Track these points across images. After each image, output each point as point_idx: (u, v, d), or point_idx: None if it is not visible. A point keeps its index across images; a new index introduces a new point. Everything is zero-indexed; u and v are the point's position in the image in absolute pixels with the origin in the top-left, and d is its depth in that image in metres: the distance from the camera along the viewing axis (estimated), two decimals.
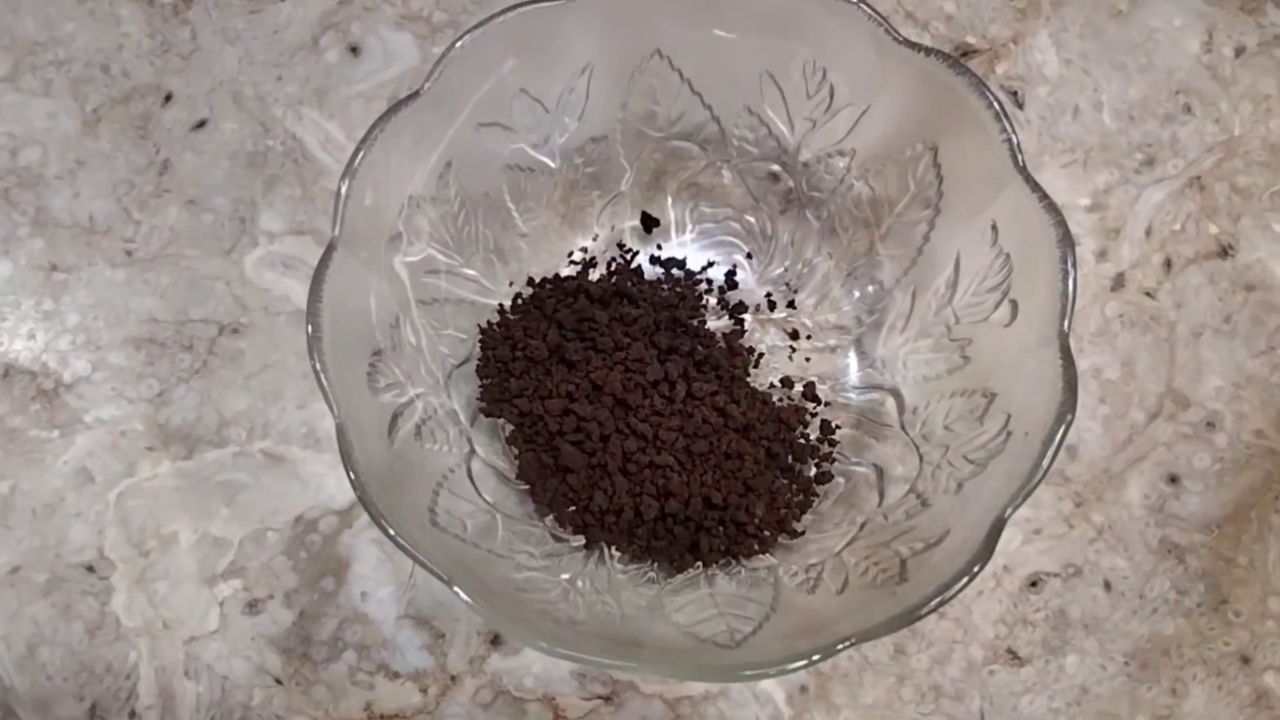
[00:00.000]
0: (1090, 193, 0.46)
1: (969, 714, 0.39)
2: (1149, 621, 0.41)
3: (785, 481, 0.39)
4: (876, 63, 0.35)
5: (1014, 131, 0.33)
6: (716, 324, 0.42)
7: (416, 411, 0.35)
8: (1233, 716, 0.40)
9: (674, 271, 0.43)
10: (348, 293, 0.33)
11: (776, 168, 0.41)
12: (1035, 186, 0.33)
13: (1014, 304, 0.34)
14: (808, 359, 0.42)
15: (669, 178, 0.42)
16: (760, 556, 0.37)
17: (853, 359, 0.42)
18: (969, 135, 0.34)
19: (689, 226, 0.43)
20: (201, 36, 0.47)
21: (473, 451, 0.37)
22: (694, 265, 0.43)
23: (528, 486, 0.38)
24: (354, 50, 0.47)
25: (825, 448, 0.40)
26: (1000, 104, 0.33)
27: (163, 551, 0.40)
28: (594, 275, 0.42)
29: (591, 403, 0.37)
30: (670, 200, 0.43)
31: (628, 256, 0.43)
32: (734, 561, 0.37)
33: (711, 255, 0.43)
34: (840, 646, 0.29)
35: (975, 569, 0.29)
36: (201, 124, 0.46)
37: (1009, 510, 0.30)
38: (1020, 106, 0.47)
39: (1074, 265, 0.32)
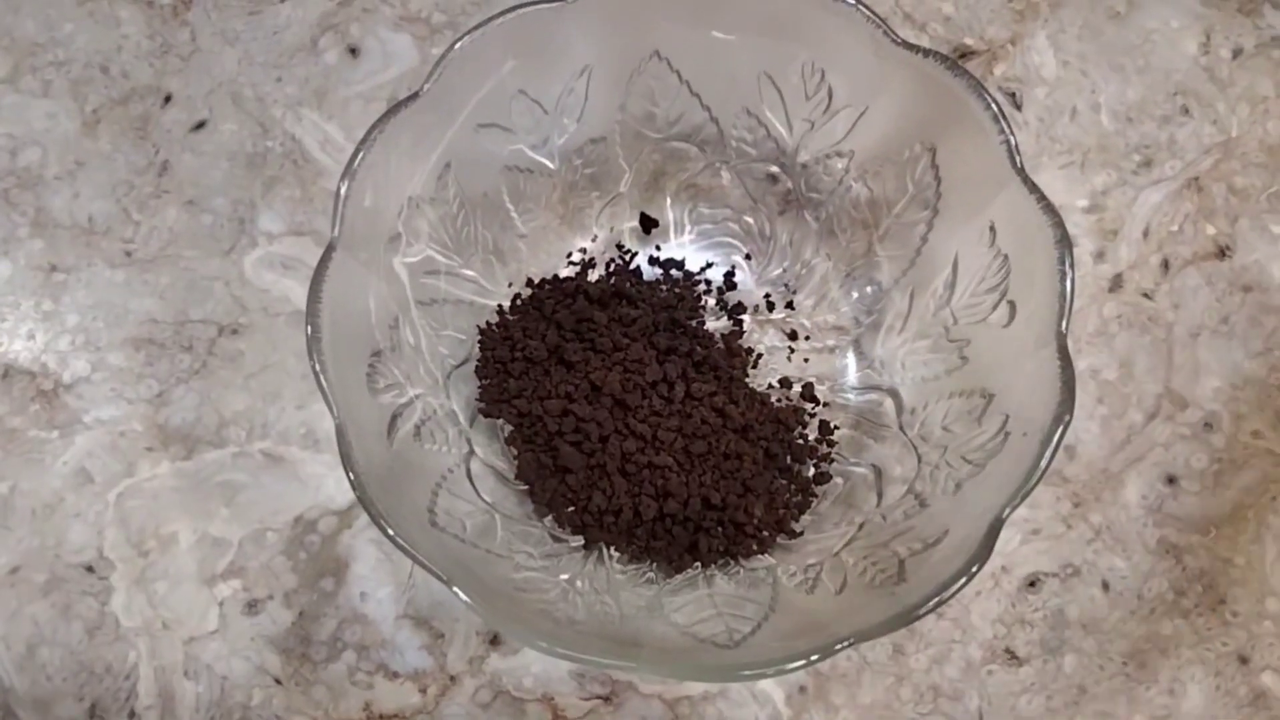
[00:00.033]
0: (1088, 194, 0.46)
1: (967, 714, 0.40)
2: (1147, 622, 0.41)
3: (784, 482, 0.39)
4: (875, 64, 0.35)
5: (1012, 133, 0.33)
6: (715, 325, 0.42)
7: (416, 412, 0.35)
8: (1230, 716, 0.40)
9: (673, 272, 0.43)
10: (347, 293, 0.33)
11: (775, 169, 0.41)
12: (1033, 188, 0.33)
13: (1012, 305, 0.34)
14: (806, 360, 0.42)
15: (668, 179, 0.42)
16: (759, 557, 0.37)
17: (851, 360, 0.42)
18: (967, 136, 0.34)
19: (688, 227, 0.43)
20: (201, 38, 0.47)
21: (472, 452, 0.37)
22: (693, 266, 0.43)
23: (527, 487, 0.38)
24: (353, 51, 0.47)
25: (824, 448, 0.40)
26: (998, 105, 0.33)
27: (162, 552, 0.40)
28: (593, 276, 0.42)
29: (590, 403, 0.37)
30: (669, 201, 0.43)
31: (626, 257, 0.43)
32: (733, 562, 0.37)
33: (710, 256, 0.43)
34: (839, 647, 0.29)
35: (973, 569, 0.29)
36: (201, 125, 0.46)
37: (1007, 511, 0.30)
38: (1018, 108, 0.47)
39: (1072, 266, 0.32)
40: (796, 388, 0.41)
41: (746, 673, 0.30)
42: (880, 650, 0.40)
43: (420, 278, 0.37)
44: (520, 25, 0.35)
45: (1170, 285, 0.45)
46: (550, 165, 0.40)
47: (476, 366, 0.39)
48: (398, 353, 0.35)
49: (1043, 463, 0.30)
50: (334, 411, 0.31)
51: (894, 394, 0.39)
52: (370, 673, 0.39)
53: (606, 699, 0.39)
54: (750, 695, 0.39)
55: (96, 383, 0.42)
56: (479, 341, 0.40)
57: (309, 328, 0.31)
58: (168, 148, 0.45)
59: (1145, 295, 0.45)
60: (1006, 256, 0.35)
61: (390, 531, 0.29)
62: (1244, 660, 0.41)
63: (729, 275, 0.43)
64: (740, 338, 0.42)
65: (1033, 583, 0.41)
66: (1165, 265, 0.45)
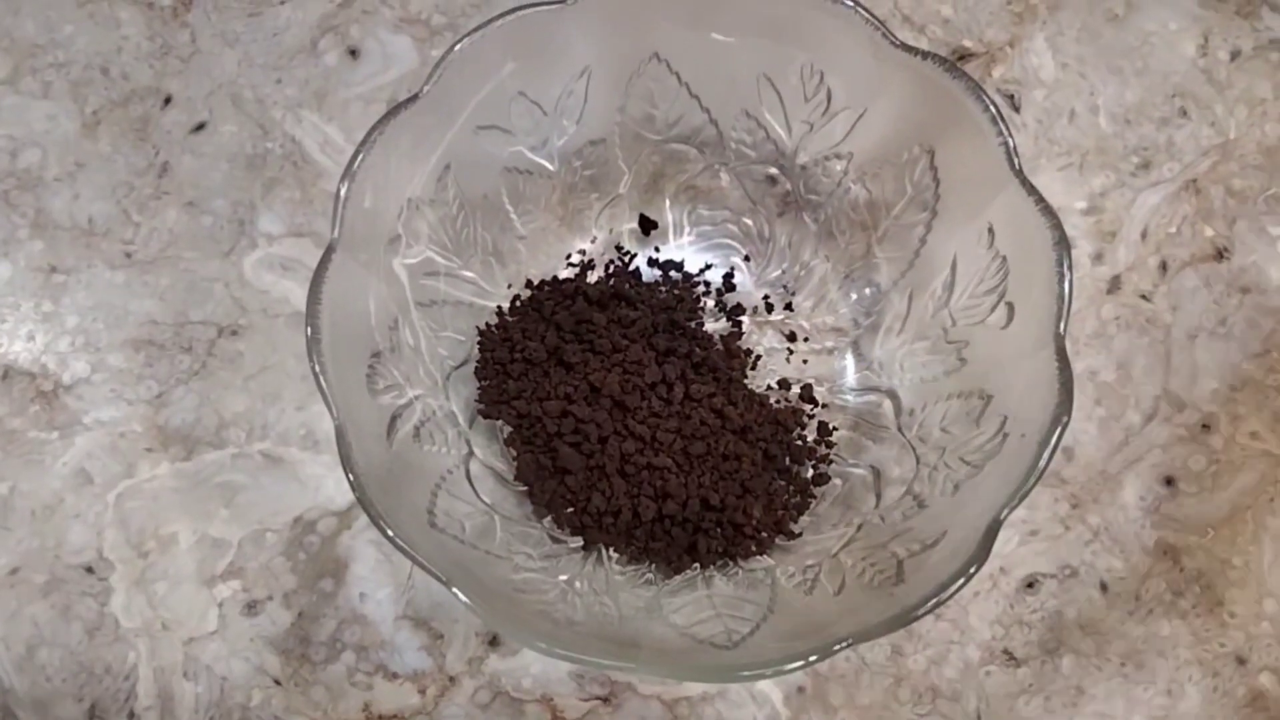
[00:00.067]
0: (1086, 196, 0.46)
1: (965, 715, 0.40)
2: (1145, 623, 0.41)
3: (782, 483, 0.39)
4: (874, 66, 0.35)
5: (1010, 135, 0.33)
6: (714, 326, 0.42)
7: (415, 413, 0.35)
8: (1228, 717, 0.40)
9: (672, 274, 0.43)
10: (347, 295, 0.33)
11: (774, 170, 0.41)
12: (1031, 189, 0.33)
13: (1010, 306, 0.34)
14: (805, 361, 0.42)
15: (667, 180, 0.43)
16: (758, 558, 0.37)
17: (850, 361, 0.42)
18: (966, 139, 0.34)
19: (687, 229, 0.43)
20: (201, 39, 0.47)
21: (471, 453, 0.37)
22: (692, 268, 0.43)
23: (526, 488, 0.38)
24: (353, 53, 0.47)
25: (822, 449, 0.40)
26: (997, 107, 0.33)
27: (162, 552, 0.40)
28: (592, 277, 0.42)
29: (589, 404, 0.37)
30: (668, 203, 0.43)
31: (626, 259, 0.43)
32: (731, 563, 0.37)
33: (709, 258, 0.43)
34: (837, 647, 0.29)
35: (972, 570, 0.29)
36: (201, 126, 0.46)
37: (1005, 512, 0.30)
38: (1017, 110, 0.47)
39: (1070, 268, 0.32)
40: (795, 389, 0.41)
41: (745, 673, 0.30)
42: (879, 651, 0.40)
43: (420, 279, 0.37)
44: (520, 27, 0.35)
45: (1168, 287, 0.45)
46: (550, 167, 0.40)
47: (476, 368, 0.39)
48: (397, 354, 0.35)
49: (1041, 464, 0.31)
50: (333, 412, 0.31)
51: (892, 395, 0.39)
52: (369, 673, 0.39)
53: (605, 700, 0.39)
54: (749, 696, 0.39)
55: (96, 384, 0.42)
56: (478, 343, 0.40)
57: (309, 329, 0.31)
58: (168, 149, 0.45)
59: (1143, 297, 0.45)
60: (1005, 258, 0.35)
61: (389, 532, 0.29)
62: (1242, 661, 0.41)
63: (728, 277, 0.43)
64: (739, 339, 0.42)
65: (1031, 584, 0.41)
66: (1163, 267, 0.45)
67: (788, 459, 0.39)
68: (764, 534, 0.37)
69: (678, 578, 0.37)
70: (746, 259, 0.43)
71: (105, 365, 0.43)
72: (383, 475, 0.31)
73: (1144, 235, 0.46)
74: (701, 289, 0.43)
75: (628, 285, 0.41)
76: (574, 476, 0.37)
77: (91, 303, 0.43)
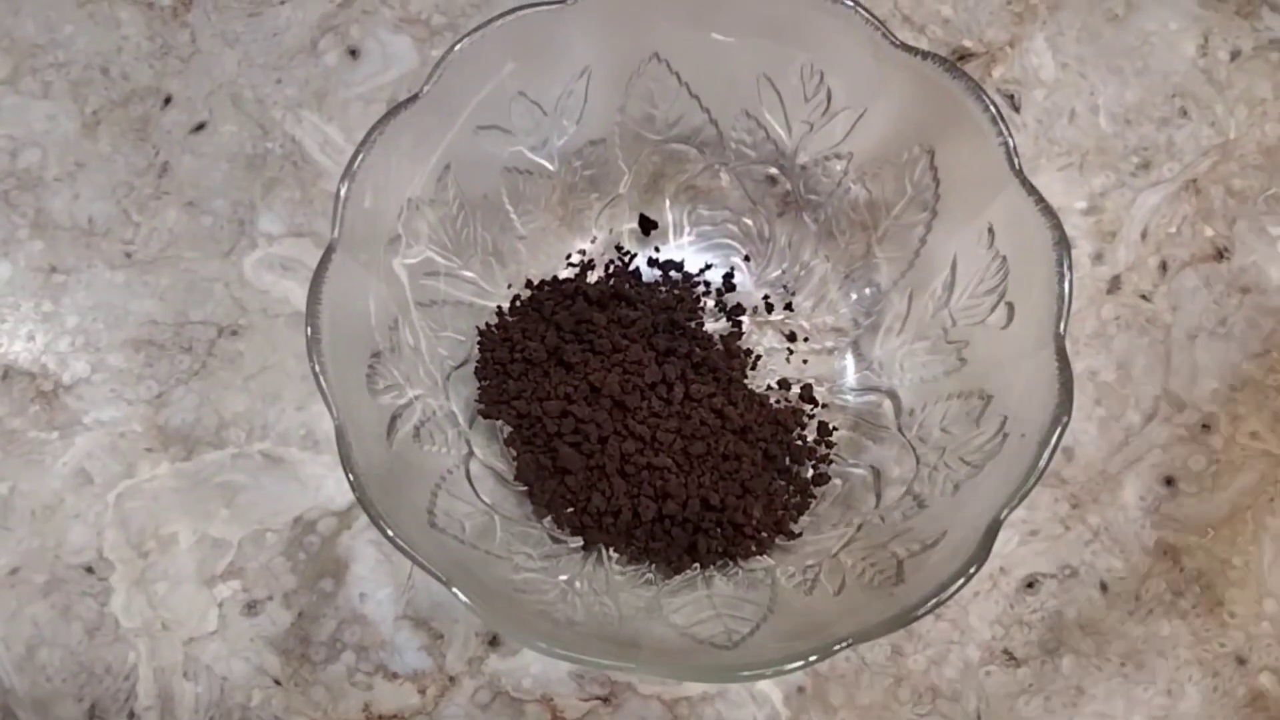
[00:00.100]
0: (1086, 196, 0.46)
1: (965, 715, 0.40)
2: (1145, 623, 0.41)
3: (783, 483, 0.39)
4: (874, 66, 0.35)
5: (1010, 135, 0.33)
6: (714, 326, 0.42)
7: (415, 413, 0.35)
8: (1228, 717, 0.40)
9: (672, 274, 0.43)
10: (347, 295, 0.33)
11: (774, 170, 0.41)
12: (1031, 189, 0.33)
13: (1010, 306, 0.34)
14: (805, 361, 0.42)
15: (667, 180, 0.43)
16: (758, 558, 0.37)
17: (850, 361, 0.42)
18: (966, 139, 0.34)
19: (687, 229, 0.43)
20: (201, 39, 0.47)
21: (471, 453, 0.37)
22: (692, 268, 0.43)
23: (526, 488, 0.38)
24: (353, 53, 0.47)
25: (822, 449, 0.40)
26: (997, 107, 0.33)
27: (162, 552, 0.40)
28: (592, 277, 0.42)
29: (589, 404, 0.37)
30: (668, 203, 0.43)
31: (626, 259, 0.43)
32: (731, 563, 0.37)
33: (709, 258, 0.43)
34: (837, 647, 0.29)
35: (972, 570, 0.29)
36: (201, 126, 0.46)
37: (1005, 512, 0.30)
38: (1017, 110, 0.47)
39: (1070, 268, 0.32)
40: (795, 389, 0.41)
41: (745, 673, 0.30)
42: (879, 651, 0.40)
43: (420, 279, 0.37)
44: (520, 27, 0.35)
45: (1168, 287, 0.45)
46: (550, 167, 0.40)
47: (476, 368, 0.39)
48: (397, 354, 0.35)
49: (1041, 464, 0.31)
50: (334, 412, 0.31)
51: (893, 395, 0.39)
52: (369, 673, 0.39)
53: (605, 700, 0.39)
54: (749, 696, 0.39)
55: (96, 384, 0.42)
56: (478, 343, 0.40)
57: (309, 329, 0.31)
58: (168, 149, 0.45)
59: (1143, 297, 0.45)
60: (1005, 258, 0.35)
61: (390, 532, 0.29)
62: (1241, 661, 0.41)
63: (728, 277, 0.43)
64: (739, 339, 0.42)
65: (1031, 584, 0.41)
66: (1163, 267, 0.45)
67: (788, 459, 0.39)
68: (764, 534, 0.37)
69: (678, 578, 0.37)
70: (746, 259, 0.43)
71: (105, 365, 0.43)
72: (383, 475, 0.31)
73: (1144, 235, 0.46)
74: (701, 289, 0.43)
75: (628, 285, 0.41)
76: (574, 476, 0.37)
77: (91, 303, 0.43)
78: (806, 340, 0.42)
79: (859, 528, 0.36)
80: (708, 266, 0.43)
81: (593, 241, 0.43)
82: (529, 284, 0.41)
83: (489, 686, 0.39)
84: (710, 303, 0.43)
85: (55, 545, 0.40)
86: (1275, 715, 0.40)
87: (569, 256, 0.43)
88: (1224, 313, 0.45)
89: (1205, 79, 0.48)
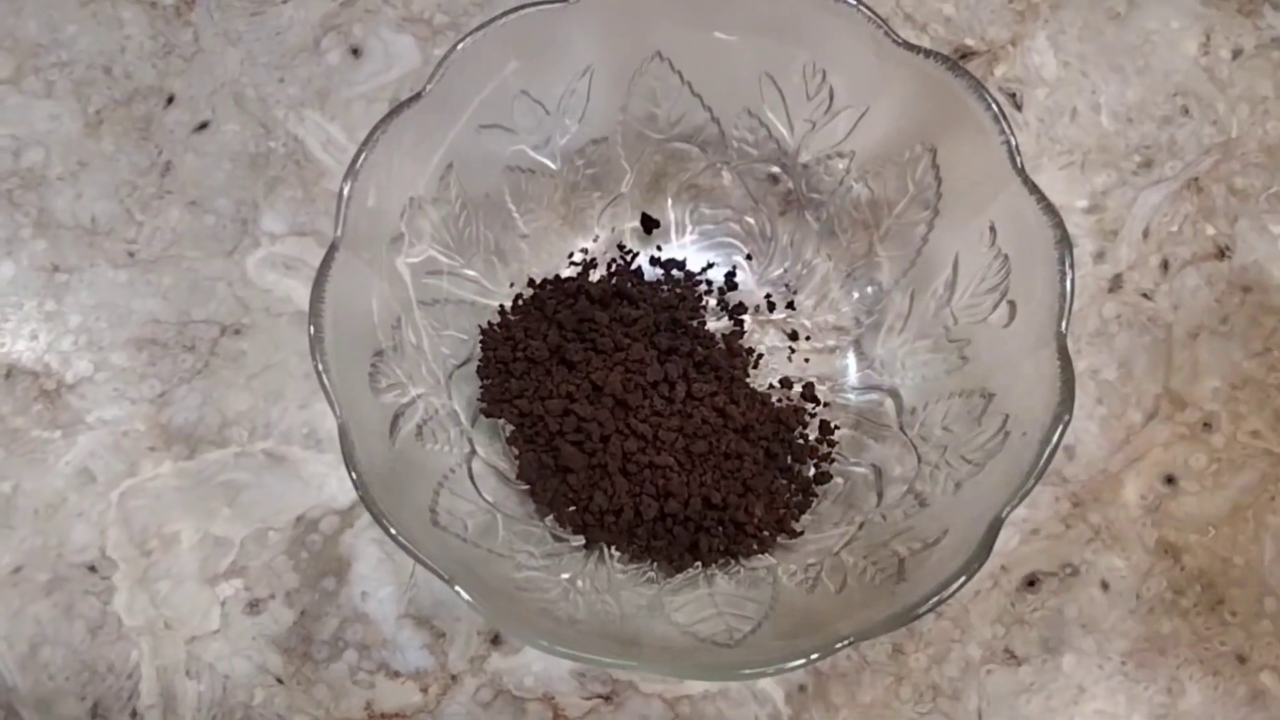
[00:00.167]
0: (1088, 194, 0.46)
1: (967, 713, 0.40)
2: (1146, 621, 0.41)
3: (784, 482, 0.39)
4: (876, 65, 0.35)
5: (1012, 133, 0.33)
6: (716, 325, 0.42)
7: (418, 412, 0.35)
8: (1229, 716, 0.40)
9: (674, 273, 0.43)
10: (350, 293, 0.33)
11: (776, 169, 0.41)
12: (1033, 188, 0.33)
13: (1012, 305, 0.35)
14: (807, 360, 0.42)
15: (669, 179, 0.43)
16: (759, 556, 0.37)
17: (851, 360, 0.42)
18: (968, 137, 0.34)
19: (689, 228, 0.43)
20: (203, 38, 0.47)
21: (473, 451, 0.38)
22: (694, 266, 0.43)
23: (528, 486, 0.38)
24: (355, 52, 0.47)
25: (824, 448, 0.40)
26: (999, 106, 0.33)
27: (164, 551, 0.40)
28: (594, 276, 0.42)
29: (592, 403, 0.37)
30: (670, 202, 0.43)
31: (628, 258, 0.43)
32: (733, 561, 0.37)
33: (711, 256, 0.43)
34: (839, 646, 0.29)
35: (973, 568, 0.30)
36: (203, 125, 0.46)
37: (1006, 510, 0.30)
38: (1019, 108, 0.47)
39: (1072, 266, 0.32)
40: (797, 388, 0.41)
41: (746, 672, 0.30)
42: (880, 649, 0.40)
43: (422, 278, 0.37)
44: (522, 26, 0.35)
45: (1170, 285, 0.45)
46: (552, 166, 0.40)
47: (478, 366, 0.39)
48: (400, 352, 0.35)
49: (1042, 463, 0.31)
50: (336, 411, 0.31)
51: (894, 394, 0.39)
52: (372, 672, 0.39)
53: (607, 698, 0.39)
54: (750, 694, 0.39)
55: (99, 383, 0.42)
56: (481, 341, 0.40)
57: (311, 328, 0.31)
58: (170, 148, 0.45)
59: (1145, 295, 0.45)
60: (1007, 257, 0.35)
61: (392, 531, 0.30)
62: (1242, 660, 0.41)
63: (730, 275, 0.43)
64: (741, 338, 0.42)
65: (1032, 582, 0.41)
66: (1165, 265, 0.45)
67: (789, 458, 0.39)
68: (766, 532, 0.37)
69: (679, 576, 0.37)
70: (748, 258, 0.43)
71: (108, 364, 0.43)
72: (385, 474, 0.32)
73: (1146, 234, 0.46)
74: (703, 288, 0.43)
75: (630, 284, 0.41)
76: (576, 475, 0.37)
77: (94, 302, 0.43)
78: (808, 339, 0.42)
79: (860, 526, 0.36)
80: (710, 265, 0.43)
81: (595, 240, 0.43)
82: (531, 283, 0.42)
83: (491, 685, 0.39)
84: (712, 301, 0.43)
85: (58, 544, 0.41)
86: (1276, 714, 0.40)
87: (571, 255, 0.43)
88: (1225, 311, 0.45)
89: (1207, 77, 0.48)
